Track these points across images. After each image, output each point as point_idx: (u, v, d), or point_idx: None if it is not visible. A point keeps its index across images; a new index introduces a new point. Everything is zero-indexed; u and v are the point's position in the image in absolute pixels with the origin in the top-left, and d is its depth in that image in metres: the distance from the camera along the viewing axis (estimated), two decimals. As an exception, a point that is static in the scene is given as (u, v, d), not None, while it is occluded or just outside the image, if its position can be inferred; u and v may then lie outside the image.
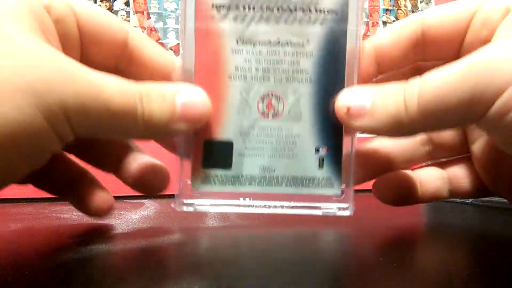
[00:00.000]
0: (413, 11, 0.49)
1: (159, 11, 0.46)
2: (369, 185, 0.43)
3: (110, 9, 0.45)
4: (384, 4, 0.49)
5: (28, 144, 0.15)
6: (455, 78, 0.17)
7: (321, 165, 0.24)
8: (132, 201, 0.37)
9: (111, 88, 0.17)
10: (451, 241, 0.21)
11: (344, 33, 0.23)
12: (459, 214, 0.30)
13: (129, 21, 0.45)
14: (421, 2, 0.50)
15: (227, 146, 0.23)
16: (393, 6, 0.49)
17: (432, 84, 0.17)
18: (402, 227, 0.25)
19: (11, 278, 0.15)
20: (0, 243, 0.21)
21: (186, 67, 0.22)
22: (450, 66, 0.17)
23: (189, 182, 0.24)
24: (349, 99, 0.20)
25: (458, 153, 0.25)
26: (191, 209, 0.24)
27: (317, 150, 0.24)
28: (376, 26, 0.48)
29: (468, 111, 0.17)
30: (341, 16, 0.22)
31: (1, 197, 0.35)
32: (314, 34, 0.23)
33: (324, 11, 0.22)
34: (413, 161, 0.26)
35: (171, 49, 0.46)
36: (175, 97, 0.20)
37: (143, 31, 0.46)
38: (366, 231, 0.24)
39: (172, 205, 0.25)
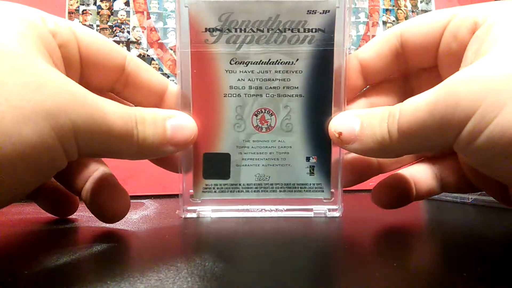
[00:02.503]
0: (413, 11, 0.49)
1: (159, 11, 0.47)
2: (369, 185, 0.43)
3: (110, 9, 0.46)
4: (384, 4, 0.49)
5: (42, 162, 0.16)
6: (425, 109, 0.18)
7: (311, 172, 0.26)
8: (132, 201, 0.37)
9: (114, 113, 0.19)
10: (451, 241, 0.22)
11: (331, 51, 0.24)
12: (459, 214, 0.30)
13: (129, 21, 0.45)
14: (421, 2, 0.50)
15: (225, 158, 0.26)
16: (393, 6, 0.49)
17: (407, 113, 0.19)
18: (402, 227, 0.25)
19: (11, 278, 0.15)
20: (0, 243, 0.21)
21: (184, 88, 0.24)
22: (420, 97, 0.19)
23: (191, 191, 0.26)
24: (340, 125, 0.22)
25: (446, 152, 0.25)
26: (194, 215, 0.26)
27: (307, 160, 0.26)
28: (376, 26, 0.49)
29: (439, 138, 0.18)
30: (328, 35, 0.24)
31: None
32: (303, 52, 0.24)
33: (312, 30, 0.24)
34: (403, 163, 0.27)
35: (171, 49, 0.46)
36: (165, 122, 0.22)
37: (143, 31, 0.46)
38: (366, 231, 0.24)
39: (177, 212, 0.26)
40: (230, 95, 0.25)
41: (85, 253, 0.19)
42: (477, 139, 0.17)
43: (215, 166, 0.25)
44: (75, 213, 0.29)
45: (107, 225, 0.25)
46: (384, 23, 0.49)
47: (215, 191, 0.26)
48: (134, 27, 0.46)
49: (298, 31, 0.24)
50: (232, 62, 0.24)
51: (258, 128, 0.25)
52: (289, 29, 0.24)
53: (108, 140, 0.19)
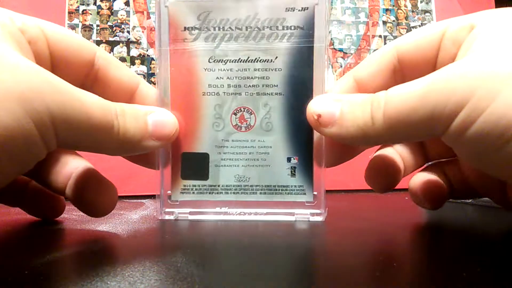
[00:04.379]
0: (413, 11, 0.49)
1: (159, 11, 0.46)
2: (368, 185, 0.43)
3: (110, 9, 0.46)
4: (384, 4, 0.49)
5: (19, 149, 0.16)
6: (416, 97, 0.18)
7: (293, 174, 0.25)
8: (132, 201, 0.37)
9: (92, 103, 0.19)
10: (451, 240, 0.21)
11: (310, 48, 0.24)
12: (459, 214, 0.30)
13: (129, 21, 0.46)
14: (421, 2, 0.50)
15: (203, 158, 0.25)
16: (393, 6, 0.49)
17: (396, 101, 0.19)
18: (402, 227, 0.25)
19: (11, 278, 0.15)
20: None
21: (162, 85, 0.24)
22: (412, 84, 0.19)
23: (169, 192, 0.25)
24: (320, 106, 0.21)
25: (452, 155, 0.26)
26: (172, 217, 0.26)
27: (288, 160, 0.25)
28: (376, 26, 0.48)
29: (429, 127, 0.18)
30: (307, 32, 0.24)
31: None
32: (282, 50, 0.24)
33: (290, 28, 0.24)
34: (417, 167, 0.27)
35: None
36: (146, 117, 0.21)
37: (143, 31, 0.46)
38: (366, 231, 0.24)
39: (154, 214, 0.25)
40: (208, 93, 0.25)
41: (85, 253, 0.19)
42: (468, 129, 0.17)
43: (193, 166, 0.25)
44: (74, 213, 0.29)
45: (107, 225, 0.25)
46: (384, 23, 0.49)
47: (193, 192, 0.25)
48: (134, 27, 0.46)
49: (277, 28, 0.24)
50: (210, 61, 0.24)
51: (237, 127, 0.25)
52: (267, 27, 0.24)
53: (87, 130, 0.18)
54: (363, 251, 0.20)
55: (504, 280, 0.15)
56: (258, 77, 0.24)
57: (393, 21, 0.49)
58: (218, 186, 0.25)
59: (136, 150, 0.22)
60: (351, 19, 0.48)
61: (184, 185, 0.25)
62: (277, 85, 0.24)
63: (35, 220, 0.27)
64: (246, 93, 0.25)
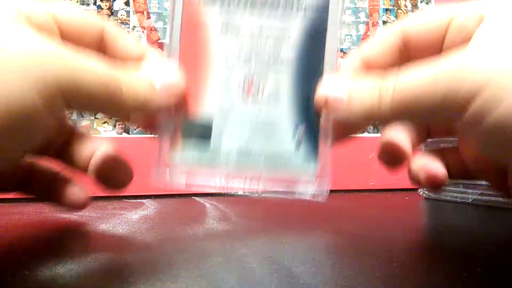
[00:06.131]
0: (413, 11, 0.49)
1: (159, 11, 0.47)
2: (368, 185, 0.43)
3: (110, 9, 0.45)
4: (384, 4, 0.49)
5: (21, 120, 0.16)
6: (427, 82, 0.18)
7: (298, 145, 0.24)
8: (132, 201, 0.37)
9: (100, 66, 0.19)
10: (450, 240, 0.21)
11: (325, 23, 0.23)
12: (459, 214, 0.30)
13: (129, 20, 0.45)
14: (421, 1, 0.50)
15: (207, 124, 0.24)
16: (393, 5, 0.49)
17: (406, 85, 0.18)
18: (402, 227, 0.25)
19: (11, 278, 0.15)
20: (0, 243, 0.21)
21: (172, 47, 0.23)
22: (423, 69, 0.18)
23: (167, 155, 0.24)
24: (328, 90, 0.22)
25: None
26: (167, 180, 0.24)
27: (294, 132, 0.24)
28: (376, 26, 0.48)
29: (439, 114, 0.18)
30: (323, 7, 0.23)
31: (1, 197, 0.35)
32: (296, 24, 0.23)
33: (306, 2, 0.23)
34: (421, 141, 0.27)
35: (171, 49, 0.46)
36: (153, 78, 0.22)
37: (143, 31, 0.46)
38: (366, 230, 0.24)
39: (150, 177, 0.24)
40: (218, 61, 0.24)
41: (85, 252, 0.19)
42: (486, 119, 0.16)
43: (195, 132, 0.24)
44: (75, 213, 0.29)
45: (108, 225, 0.25)
46: (384, 22, 0.49)
47: (193, 158, 0.24)
48: (134, 27, 0.46)
49: (292, 1, 0.23)
50: (223, 29, 0.23)
51: (244, 98, 0.24)
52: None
53: (96, 92, 0.19)
54: (362, 251, 0.20)
55: (504, 280, 0.15)
56: (270, 49, 0.24)
57: (393, 21, 0.49)
58: (220, 153, 0.24)
59: (143, 109, 0.22)
60: (351, 19, 0.48)
61: (184, 149, 0.24)
62: (288, 59, 0.24)
63: (35, 220, 0.27)
64: (256, 64, 0.24)
